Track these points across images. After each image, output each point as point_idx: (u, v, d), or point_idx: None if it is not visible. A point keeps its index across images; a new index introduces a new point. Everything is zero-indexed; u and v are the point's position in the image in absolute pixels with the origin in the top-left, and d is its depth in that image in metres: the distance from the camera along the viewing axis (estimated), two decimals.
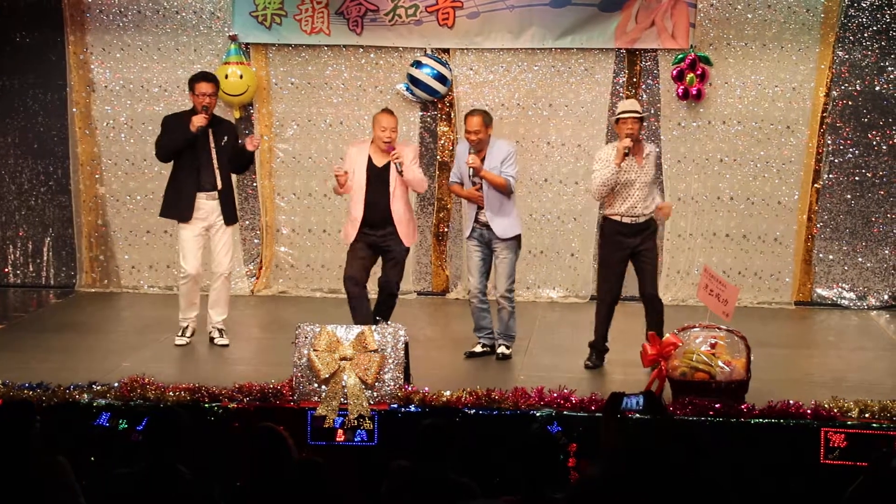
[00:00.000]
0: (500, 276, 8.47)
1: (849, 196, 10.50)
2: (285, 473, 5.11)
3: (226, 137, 8.70)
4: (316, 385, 7.19)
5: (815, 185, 10.47)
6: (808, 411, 6.95)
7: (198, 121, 8.52)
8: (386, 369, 7.21)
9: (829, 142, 10.42)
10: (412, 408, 7.12)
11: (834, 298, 10.54)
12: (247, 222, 10.91)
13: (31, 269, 11.14)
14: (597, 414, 6.90)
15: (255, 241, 10.96)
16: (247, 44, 10.63)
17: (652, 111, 10.43)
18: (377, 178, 8.43)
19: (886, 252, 10.50)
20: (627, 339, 8.35)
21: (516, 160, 8.48)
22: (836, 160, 10.46)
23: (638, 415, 5.97)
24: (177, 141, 8.60)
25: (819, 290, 10.57)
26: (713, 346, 7.24)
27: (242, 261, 10.89)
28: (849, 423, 6.90)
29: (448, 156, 10.61)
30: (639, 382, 7.49)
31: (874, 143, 10.41)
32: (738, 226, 10.58)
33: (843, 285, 10.55)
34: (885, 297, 10.50)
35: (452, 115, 10.64)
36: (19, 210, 11.09)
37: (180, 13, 10.70)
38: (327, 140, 10.78)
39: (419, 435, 5.61)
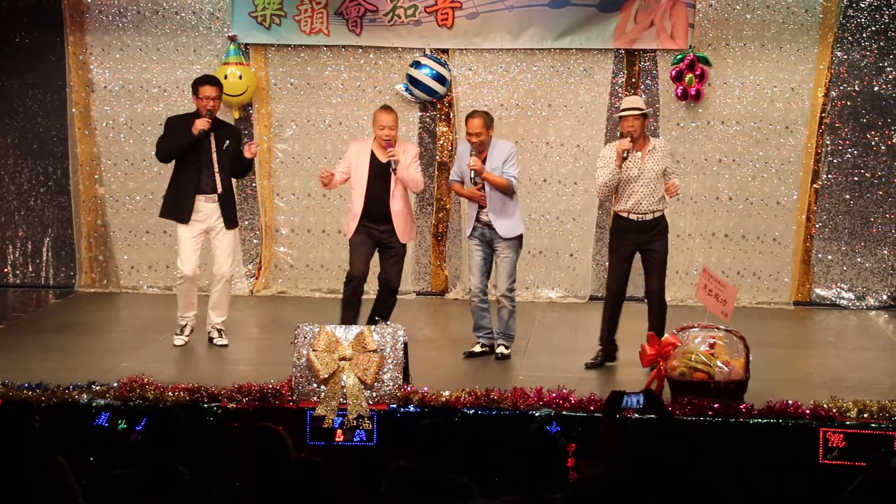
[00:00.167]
0: (501, 275, 8.47)
1: (847, 196, 10.50)
2: (284, 473, 5.11)
3: (228, 141, 8.70)
4: (315, 385, 7.20)
5: (814, 186, 10.48)
6: (807, 411, 6.96)
7: (200, 124, 8.53)
8: (385, 369, 7.21)
9: (828, 142, 10.43)
10: (411, 408, 7.12)
11: (833, 298, 10.55)
12: (246, 223, 10.92)
13: (30, 269, 11.14)
14: (596, 414, 6.90)
15: (255, 241, 10.97)
16: (246, 44, 10.63)
17: (651, 111, 10.43)
18: (379, 175, 8.45)
19: (885, 252, 10.50)
20: (627, 338, 8.35)
21: (518, 160, 8.49)
22: (834, 160, 10.47)
23: (638, 413, 5.99)
24: (178, 143, 8.60)
25: (818, 291, 10.58)
26: (712, 346, 7.25)
27: (242, 261, 10.89)
28: (847, 423, 6.90)
29: (447, 156, 10.62)
30: (638, 382, 7.49)
31: (873, 143, 10.42)
32: (737, 226, 10.59)
33: (842, 285, 10.56)
34: (884, 297, 10.50)
35: (451, 115, 10.65)
36: (19, 210, 11.10)
37: (179, 14, 10.70)
38: (326, 140, 10.79)
39: (418, 435, 5.62)
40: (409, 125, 10.60)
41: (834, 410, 6.95)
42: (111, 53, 10.78)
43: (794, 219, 10.52)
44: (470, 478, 5.57)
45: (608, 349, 8.31)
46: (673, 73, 10.30)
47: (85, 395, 7.24)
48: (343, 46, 10.62)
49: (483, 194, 8.39)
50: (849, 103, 10.38)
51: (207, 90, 8.60)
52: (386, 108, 8.57)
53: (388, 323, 7.64)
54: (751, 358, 7.20)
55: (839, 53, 10.31)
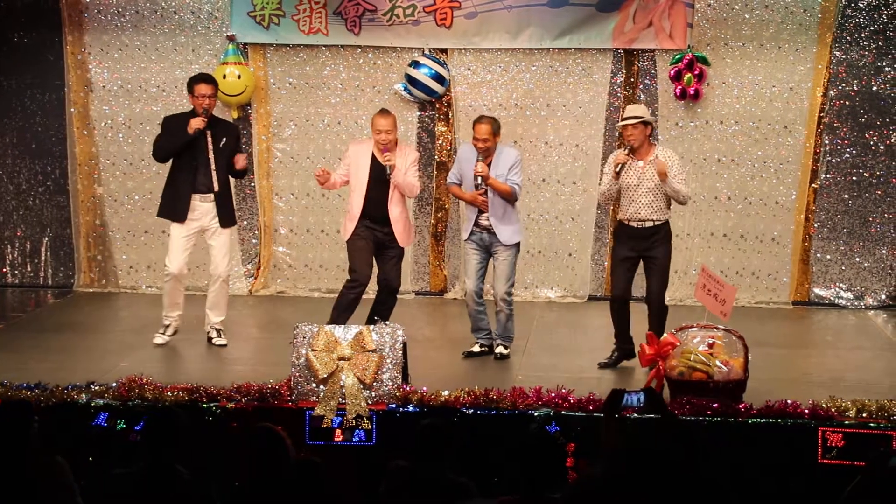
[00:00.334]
0: (499, 279, 8.46)
1: (846, 196, 10.51)
2: (283, 473, 5.11)
3: (225, 139, 8.70)
4: (314, 385, 7.20)
5: (813, 185, 10.48)
6: (806, 411, 6.96)
7: (196, 123, 8.52)
8: (384, 369, 7.21)
9: (827, 142, 10.43)
10: (410, 408, 7.12)
11: (831, 298, 10.55)
12: (245, 222, 10.92)
13: (29, 269, 11.14)
14: (595, 414, 6.90)
15: (254, 241, 10.97)
16: (245, 44, 10.63)
17: (650, 112, 10.42)
18: (379, 176, 8.44)
19: (884, 252, 10.51)
20: None
21: (521, 168, 8.51)
22: (833, 160, 10.47)
23: (638, 412, 5.99)
24: (174, 142, 8.60)
25: (816, 290, 10.58)
26: (711, 345, 7.25)
27: (241, 261, 10.89)
28: (846, 422, 6.90)
29: (446, 156, 10.61)
30: (637, 382, 7.50)
31: (871, 143, 10.42)
32: (736, 226, 10.59)
33: (841, 285, 10.56)
34: (883, 296, 10.51)
35: (450, 115, 10.65)
36: (17, 210, 11.09)
37: (178, 13, 10.70)
38: (325, 140, 10.79)
39: (417, 435, 5.62)
40: (408, 125, 10.60)
41: (833, 410, 6.96)
42: (110, 53, 10.78)
43: (793, 218, 10.52)
44: (469, 478, 5.57)
45: (623, 348, 8.27)
46: (672, 72, 10.30)
47: (84, 395, 7.24)
48: (342, 46, 10.62)
49: (485, 199, 8.38)
50: (847, 103, 10.38)
51: (203, 88, 8.60)
52: (383, 111, 8.55)
53: (387, 323, 7.64)
54: (749, 357, 7.20)
55: (838, 53, 10.31)
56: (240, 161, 8.67)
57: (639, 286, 8.54)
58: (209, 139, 8.62)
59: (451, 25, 10.44)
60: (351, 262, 8.55)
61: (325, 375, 7.16)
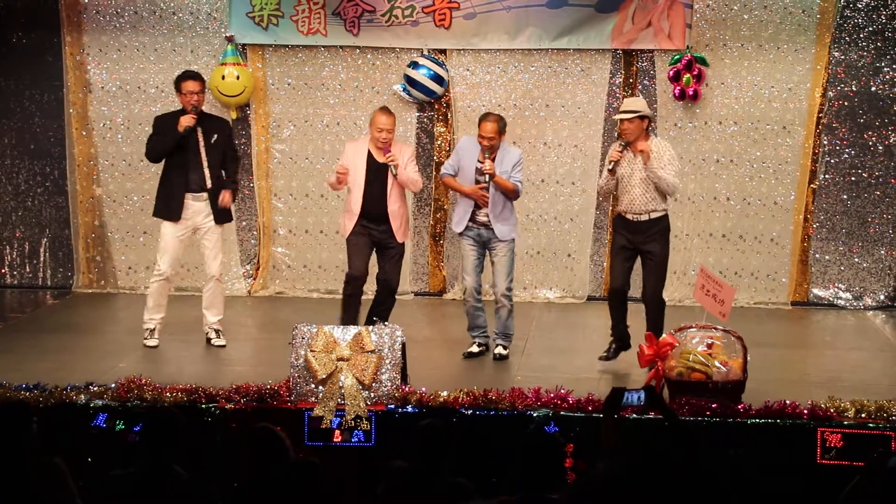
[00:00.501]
0: (499, 275, 8.47)
1: (845, 196, 10.51)
2: (282, 474, 5.11)
3: (216, 136, 8.68)
4: (313, 386, 7.20)
5: (812, 186, 10.48)
6: (805, 411, 6.96)
7: (185, 121, 8.51)
8: (383, 370, 7.21)
9: (826, 142, 10.43)
10: (409, 408, 7.12)
11: (830, 299, 10.55)
12: (244, 223, 10.92)
13: (27, 269, 11.13)
14: (594, 414, 6.91)
15: (252, 241, 10.96)
16: (243, 45, 10.62)
17: (651, 113, 10.42)
18: (376, 174, 8.45)
19: (882, 252, 10.51)
20: None
21: (523, 167, 8.55)
22: (832, 160, 10.47)
23: (639, 411, 5.97)
24: (166, 142, 8.59)
25: (815, 291, 10.58)
26: (710, 346, 7.25)
27: (240, 261, 10.89)
28: (845, 423, 6.91)
29: (445, 156, 10.59)
30: (636, 383, 7.48)
31: (870, 143, 10.43)
32: (735, 226, 10.59)
33: (840, 285, 10.56)
34: (882, 297, 10.51)
35: (449, 115, 10.65)
36: (16, 211, 11.09)
37: (177, 14, 10.70)
38: (324, 141, 10.78)
39: (416, 435, 5.62)
40: (407, 125, 10.60)
41: (832, 410, 6.96)
42: (108, 54, 10.77)
43: (792, 219, 10.52)
44: (468, 478, 5.57)
45: (620, 339, 8.27)
46: (670, 73, 10.30)
47: (83, 396, 7.23)
48: (341, 47, 10.62)
49: (486, 195, 8.40)
50: (846, 103, 10.38)
51: (190, 85, 8.59)
52: (385, 110, 8.56)
53: (386, 323, 7.64)
54: (748, 358, 7.21)
55: (836, 54, 10.31)
56: (224, 199, 8.66)
57: (637, 286, 8.54)
58: (200, 136, 8.59)
59: (450, 26, 10.44)
60: (348, 259, 8.57)
61: (324, 376, 7.16)
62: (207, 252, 8.75)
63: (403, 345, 7.32)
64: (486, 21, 10.41)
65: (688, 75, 10.25)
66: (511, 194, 8.42)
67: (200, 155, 8.60)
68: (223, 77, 10.40)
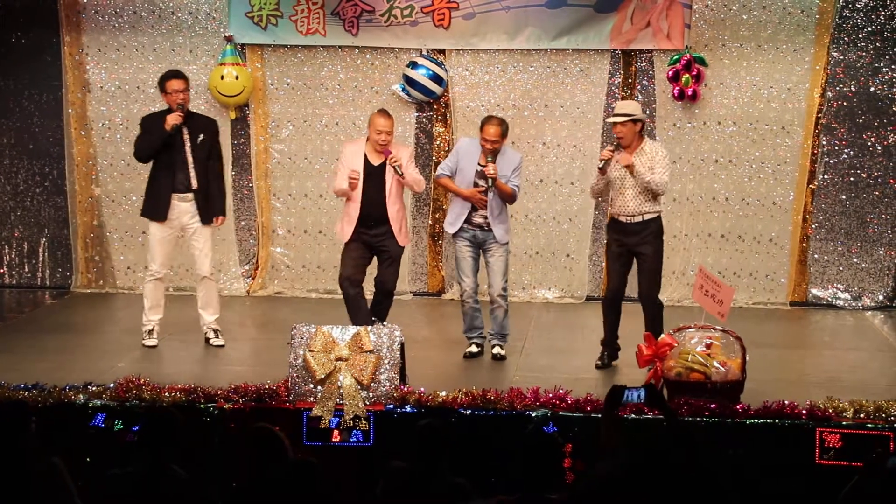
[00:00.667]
0: (495, 275, 8.48)
1: (844, 197, 10.51)
2: (281, 474, 5.11)
3: (202, 135, 8.66)
4: (312, 386, 7.19)
5: (811, 186, 10.48)
6: (804, 412, 6.96)
7: (172, 119, 8.50)
8: (382, 370, 7.21)
9: (824, 142, 10.43)
10: (408, 408, 7.12)
11: (829, 299, 10.55)
12: (243, 223, 10.92)
13: (26, 269, 11.13)
14: (593, 415, 6.91)
15: (251, 241, 10.96)
16: (242, 44, 10.62)
17: (647, 112, 10.44)
18: (374, 177, 8.45)
19: (881, 252, 10.51)
20: (625, 339, 8.35)
21: (521, 171, 8.57)
22: (830, 161, 10.47)
23: (639, 409, 5.95)
24: (153, 142, 8.57)
25: (814, 291, 10.59)
26: (708, 346, 7.25)
27: (238, 261, 10.89)
28: (844, 423, 6.91)
29: (444, 156, 10.59)
30: (635, 383, 7.45)
31: (869, 143, 10.43)
32: (734, 226, 10.59)
33: (838, 286, 10.57)
34: (880, 297, 10.51)
35: (448, 115, 10.65)
36: (15, 211, 11.09)
37: (176, 14, 10.70)
38: (323, 141, 10.78)
39: (415, 435, 5.62)
40: (406, 126, 10.60)
41: (830, 411, 6.96)
42: (107, 54, 10.77)
43: (791, 219, 10.53)
44: (467, 478, 5.57)
45: (611, 350, 8.31)
46: (669, 73, 10.30)
47: (81, 396, 7.23)
48: (339, 47, 10.62)
49: (485, 197, 8.40)
50: (845, 104, 10.38)
51: (175, 84, 8.58)
52: (383, 112, 8.55)
53: (385, 323, 7.64)
54: (747, 358, 7.21)
55: (835, 54, 10.31)
56: (218, 223, 8.79)
57: (632, 287, 8.55)
58: (185, 136, 8.58)
59: (449, 26, 10.44)
60: (341, 265, 8.55)
61: (323, 376, 7.16)
62: (197, 252, 8.73)
63: (402, 345, 7.32)
64: (485, 21, 10.41)
65: (687, 75, 10.25)
66: (508, 198, 8.44)
67: (186, 155, 8.58)
68: (222, 77, 10.40)
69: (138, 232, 10.89)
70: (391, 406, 7.15)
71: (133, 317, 9.93)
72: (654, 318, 8.15)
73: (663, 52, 10.34)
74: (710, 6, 10.32)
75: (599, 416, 6.20)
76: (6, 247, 11.11)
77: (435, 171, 10.62)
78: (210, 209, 8.73)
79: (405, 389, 7.21)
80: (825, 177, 10.49)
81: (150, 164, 8.80)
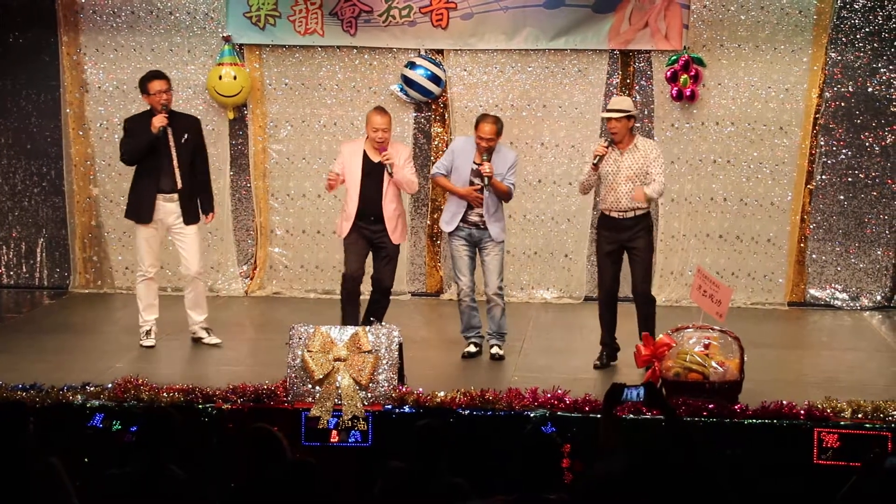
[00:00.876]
0: (491, 274, 8.49)
1: (842, 197, 10.52)
2: (279, 474, 5.11)
3: (186, 135, 8.63)
4: (310, 386, 7.19)
5: (808, 186, 10.49)
6: (802, 412, 6.96)
7: (158, 121, 8.47)
8: (380, 370, 7.21)
9: (822, 143, 10.44)
10: (406, 409, 7.12)
11: (827, 299, 10.56)
12: (241, 223, 10.92)
13: (24, 269, 11.13)
14: (591, 415, 6.91)
15: (249, 241, 10.96)
16: (240, 45, 10.62)
17: (645, 112, 10.45)
18: (372, 174, 8.46)
19: (879, 253, 10.52)
20: (623, 339, 8.36)
21: (518, 168, 8.55)
22: (828, 161, 10.48)
23: (638, 408, 5.93)
24: (139, 144, 8.54)
25: (812, 291, 10.59)
26: (707, 346, 7.25)
27: (237, 261, 10.89)
28: (842, 423, 6.91)
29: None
30: (633, 384, 7.48)
31: (867, 144, 10.43)
32: (732, 227, 10.60)
33: (836, 286, 10.57)
34: (878, 297, 10.52)
35: (446, 115, 10.65)
36: (13, 211, 11.08)
37: (174, 14, 10.69)
38: (321, 141, 10.78)
39: (413, 436, 5.62)
40: (404, 126, 10.60)
41: (828, 411, 6.96)
42: (105, 54, 10.77)
43: (789, 219, 10.53)
44: (465, 478, 5.57)
45: (610, 350, 8.31)
46: (667, 74, 10.31)
47: (79, 396, 7.23)
48: (338, 47, 10.62)
49: (481, 196, 8.40)
50: (843, 104, 10.39)
51: (157, 85, 8.56)
52: (380, 109, 8.56)
53: (383, 324, 7.64)
54: (745, 358, 7.21)
55: (833, 54, 10.32)
56: (208, 221, 8.86)
57: (626, 284, 8.56)
58: (170, 136, 8.55)
59: (448, 26, 10.44)
60: (345, 259, 8.58)
61: (321, 376, 7.16)
62: (184, 252, 8.72)
63: (400, 345, 7.31)
64: (484, 21, 10.41)
65: (685, 76, 10.25)
66: (504, 196, 8.45)
67: (171, 155, 8.54)
68: (220, 77, 10.40)
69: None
70: (389, 406, 7.15)
71: (131, 317, 9.92)
72: (647, 312, 8.19)
73: (661, 52, 10.34)
74: (708, 7, 10.32)
75: (598, 416, 6.19)
76: (4, 247, 11.11)
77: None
78: (196, 209, 8.73)
79: (403, 390, 7.21)
80: (823, 177, 10.49)
81: (131, 167, 8.78)
